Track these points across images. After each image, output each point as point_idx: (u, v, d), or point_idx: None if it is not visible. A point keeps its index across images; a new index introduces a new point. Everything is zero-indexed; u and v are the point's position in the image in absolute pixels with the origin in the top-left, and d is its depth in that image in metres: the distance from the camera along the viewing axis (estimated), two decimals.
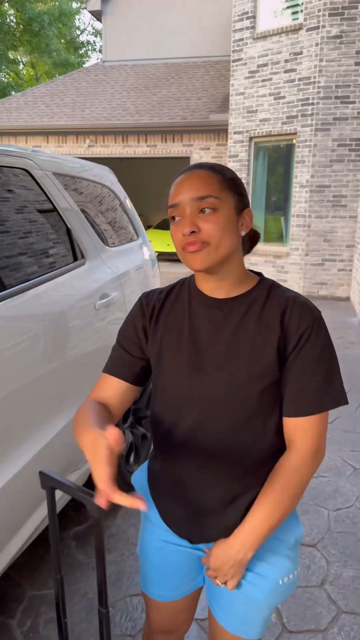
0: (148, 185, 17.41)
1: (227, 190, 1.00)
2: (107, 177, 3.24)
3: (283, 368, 1.03)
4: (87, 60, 30.41)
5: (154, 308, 1.14)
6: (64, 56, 26.53)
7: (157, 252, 13.68)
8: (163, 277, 11.54)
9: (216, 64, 13.11)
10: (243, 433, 1.04)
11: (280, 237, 9.59)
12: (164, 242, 13.75)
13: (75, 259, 2.35)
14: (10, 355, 1.69)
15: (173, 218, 1.01)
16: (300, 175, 8.81)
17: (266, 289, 1.07)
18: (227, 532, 1.08)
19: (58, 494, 1.92)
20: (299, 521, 1.19)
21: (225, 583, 1.09)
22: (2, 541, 1.68)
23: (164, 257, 13.83)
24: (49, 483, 1.09)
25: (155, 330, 1.12)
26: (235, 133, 9.68)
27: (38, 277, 1.99)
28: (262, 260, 9.60)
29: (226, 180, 1.01)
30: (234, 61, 9.52)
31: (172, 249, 13.54)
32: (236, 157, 9.72)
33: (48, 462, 1.89)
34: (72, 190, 2.61)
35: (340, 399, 1.03)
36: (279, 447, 1.08)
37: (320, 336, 1.02)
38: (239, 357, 1.02)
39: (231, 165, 9.77)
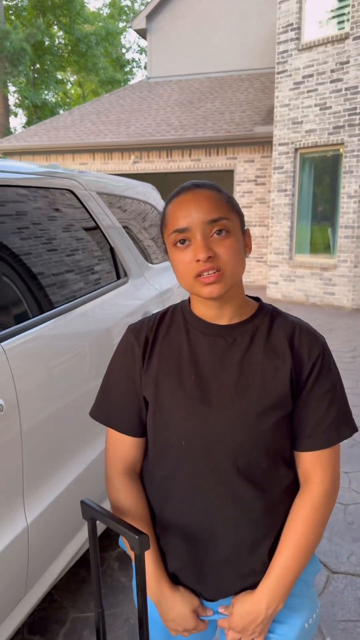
0: None
1: (232, 211, 0.93)
2: (151, 194, 3.25)
3: (297, 399, 0.97)
4: (133, 78, 31.03)
5: (147, 340, 1.01)
6: (110, 74, 27.17)
7: None
8: None
9: (260, 77, 13.09)
10: (257, 471, 0.95)
11: (327, 248, 9.40)
12: None
13: (119, 277, 2.35)
14: (59, 372, 1.69)
15: (180, 242, 0.91)
16: (348, 185, 8.63)
17: (268, 315, 1.00)
18: (245, 581, 1.00)
19: None
20: (315, 555, 1.11)
21: None
22: (45, 562, 1.66)
23: None
24: (90, 514, 1.06)
25: (149, 365, 0.99)
26: (280, 145, 9.60)
27: (83, 296, 1.99)
28: (308, 273, 9.42)
29: (230, 200, 0.94)
30: (278, 73, 9.47)
31: None
32: (281, 168, 9.63)
33: (90, 485, 1.87)
34: (116, 208, 2.62)
35: (354, 425, 0.99)
36: (290, 482, 1.01)
37: (331, 364, 0.98)
38: (250, 389, 0.94)
39: (276, 176, 9.68)
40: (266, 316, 1.00)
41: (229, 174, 12.79)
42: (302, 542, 0.95)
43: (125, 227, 2.62)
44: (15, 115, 27.63)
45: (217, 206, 0.90)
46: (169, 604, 0.98)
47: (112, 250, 2.35)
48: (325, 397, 0.96)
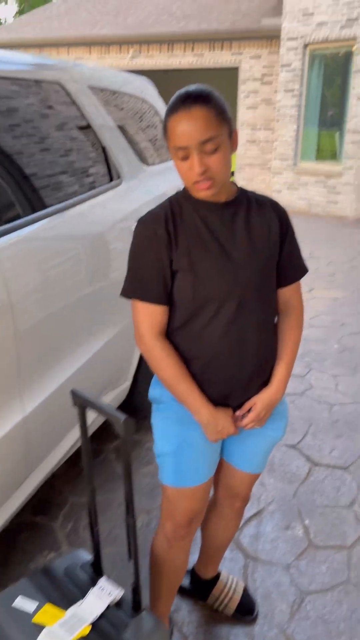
0: None
1: (222, 123, 1.13)
2: (147, 90, 3.09)
3: (281, 248, 1.33)
4: None
5: (167, 223, 1.22)
6: None
7: None
8: None
9: None
10: (268, 307, 1.30)
11: (333, 154, 9.09)
12: None
13: (112, 180, 2.30)
14: (53, 275, 1.71)
15: (181, 158, 1.14)
16: (359, 86, 8.17)
17: (247, 192, 1.32)
18: (259, 388, 1.34)
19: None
20: None
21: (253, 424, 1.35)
22: (44, 450, 1.78)
23: None
24: (79, 402, 1.13)
25: (177, 242, 1.23)
26: (289, 39, 8.97)
27: (74, 197, 1.96)
28: (312, 180, 9.18)
29: (220, 113, 1.12)
30: None
31: None
32: (289, 66, 9.07)
33: (86, 380, 1.96)
34: (112, 106, 2.51)
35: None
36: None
37: (291, 221, 1.36)
38: (260, 245, 1.26)
39: (284, 75, 9.14)
40: (246, 193, 1.31)
41: (233, 72, 12.08)
42: (293, 346, 1.37)
43: (120, 127, 2.53)
44: (6, 2, 25.56)
45: (210, 126, 1.10)
46: (218, 418, 1.28)
47: (104, 150, 2.28)
48: (295, 245, 1.37)
